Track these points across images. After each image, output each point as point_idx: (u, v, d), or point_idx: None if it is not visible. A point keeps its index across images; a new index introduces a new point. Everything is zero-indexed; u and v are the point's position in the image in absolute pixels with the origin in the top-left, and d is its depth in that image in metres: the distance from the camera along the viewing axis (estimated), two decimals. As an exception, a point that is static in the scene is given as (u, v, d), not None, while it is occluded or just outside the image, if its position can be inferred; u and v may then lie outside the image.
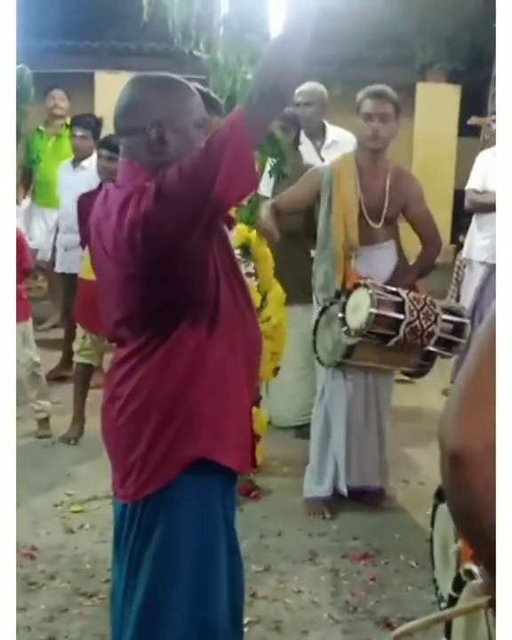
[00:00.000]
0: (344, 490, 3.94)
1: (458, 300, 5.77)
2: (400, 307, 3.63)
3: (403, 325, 3.60)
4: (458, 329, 3.80)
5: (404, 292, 3.70)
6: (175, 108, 2.04)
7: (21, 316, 4.60)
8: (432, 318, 3.66)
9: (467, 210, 5.70)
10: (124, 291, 2.05)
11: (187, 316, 2.02)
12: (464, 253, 5.73)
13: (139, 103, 2.06)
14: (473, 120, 8.38)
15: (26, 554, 3.56)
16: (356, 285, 3.70)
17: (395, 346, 3.67)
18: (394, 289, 3.69)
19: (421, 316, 3.65)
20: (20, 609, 3.14)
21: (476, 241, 5.55)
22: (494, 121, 5.46)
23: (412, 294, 3.75)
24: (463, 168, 5.65)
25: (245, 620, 2.70)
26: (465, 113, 8.94)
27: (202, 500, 2.11)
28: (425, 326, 3.65)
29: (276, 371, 4.07)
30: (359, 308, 3.65)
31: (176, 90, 2.09)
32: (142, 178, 2.00)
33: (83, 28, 9.72)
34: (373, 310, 3.57)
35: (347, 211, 3.77)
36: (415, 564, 3.56)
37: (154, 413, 2.05)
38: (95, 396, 5.11)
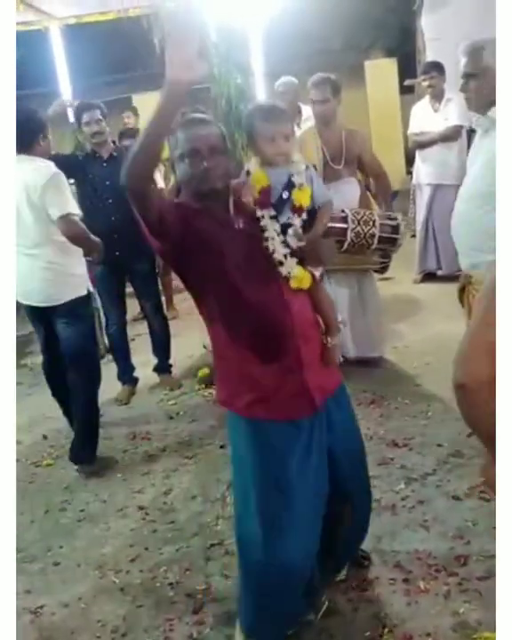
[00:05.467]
0: (348, 355, 4.24)
1: (414, 215, 6.16)
2: (344, 219, 3.88)
3: (348, 232, 3.84)
4: (395, 229, 4.01)
5: (348, 210, 3.94)
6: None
7: None
8: (371, 223, 3.91)
9: (411, 148, 6.13)
10: None
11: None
12: (414, 180, 6.18)
13: None
14: (408, 82, 8.83)
15: (143, 437, 4.07)
16: None
17: (348, 248, 3.89)
18: (341, 209, 3.89)
19: (362, 223, 3.88)
20: (144, 474, 3.65)
21: (420, 169, 5.97)
22: (422, 80, 5.77)
23: (354, 210, 3.98)
24: (406, 117, 5.98)
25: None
26: (402, 77, 9.98)
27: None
28: (365, 230, 3.87)
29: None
30: None
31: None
32: None
33: (118, 65, 11.35)
34: None
35: (311, 158, 3.96)
36: (408, 402, 3.91)
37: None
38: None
